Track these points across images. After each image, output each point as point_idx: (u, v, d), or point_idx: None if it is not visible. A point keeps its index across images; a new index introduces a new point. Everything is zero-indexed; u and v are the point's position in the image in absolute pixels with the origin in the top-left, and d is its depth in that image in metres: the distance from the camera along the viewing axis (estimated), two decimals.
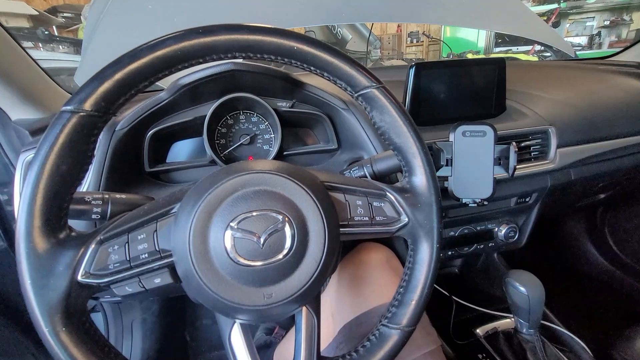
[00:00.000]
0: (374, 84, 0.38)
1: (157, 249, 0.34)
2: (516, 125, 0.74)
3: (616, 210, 1.24)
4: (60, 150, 0.31)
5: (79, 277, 0.32)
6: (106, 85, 0.32)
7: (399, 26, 5.80)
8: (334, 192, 0.39)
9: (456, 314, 0.93)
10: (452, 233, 0.78)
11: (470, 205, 0.59)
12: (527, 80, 0.93)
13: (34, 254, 0.30)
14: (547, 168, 0.75)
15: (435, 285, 0.41)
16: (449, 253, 0.80)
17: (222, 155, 0.66)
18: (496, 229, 0.80)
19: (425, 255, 0.40)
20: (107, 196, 0.43)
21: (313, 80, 0.63)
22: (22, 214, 0.30)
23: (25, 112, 0.61)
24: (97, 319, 0.88)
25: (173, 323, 1.07)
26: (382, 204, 0.40)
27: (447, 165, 0.58)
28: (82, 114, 0.31)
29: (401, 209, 0.40)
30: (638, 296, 1.13)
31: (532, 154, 0.75)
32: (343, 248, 0.59)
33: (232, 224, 0.33)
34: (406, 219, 0.40)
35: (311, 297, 0.37)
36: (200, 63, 0.35)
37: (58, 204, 0.32)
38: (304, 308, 0.38)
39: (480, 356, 0.79)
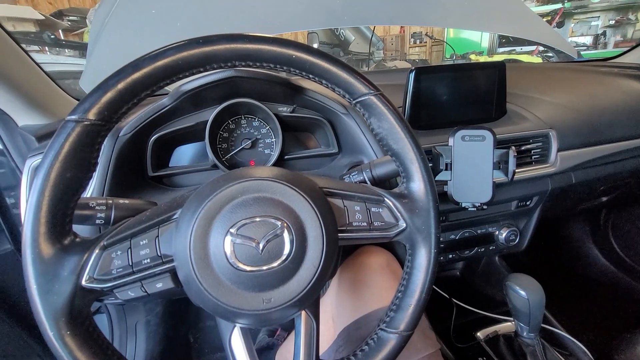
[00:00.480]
0: (372, 91, 0.39)
1: (159, 254, 0.35)
2: (516, 128, 0.74)
3: (619, 212, 1.23)
4: (65, 158, 0.32)
5: (83, 282, 0.33)
6: (109, 94, 0.33)
7: (402, 27, 5.80)
8: (332, 197, 0.40)
9: (457, 317, 0.93)
10: (452, 236, 0.78)
11: (469, 209, 0.59)
12: (528, 83, 0.93)
13: (40, 259, 0.31)
14: (548, 171, 0.75)
15: (436, 288, 0.42)
16: (450, 256, 0.80)
17: (224, 159, 0.67)
18: (497, 233, 0.80)
19: (423, 260, 0.40)
20: (110, 201, 0.44)
21: (313, 86, 0.64)
22: (28, 220, 0.31)
23: (31, 118, 0.62)
24: (102, 320, 0.89)
25: (177, 325, 1.08)
26: (380, 210, 0.41)
27: (446, 169, 0.59)
28: (86, 123, 0.32)
29: (399, 215, 0.41)
30: None
31: (532, 157, 0.75)
32: (343, 251, 0.60)
33: (231, 230, 0.34)
34: (404, 225, 0.40)
35: (310, 301, 0.38)
36: (201, 72, 0.36)
37: (63, 211, 0.33)
38: (303, 312, 0.38)
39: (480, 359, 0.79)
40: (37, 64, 0.65)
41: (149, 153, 0.61)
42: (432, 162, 0.59)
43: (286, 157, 0.68)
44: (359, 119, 0.64)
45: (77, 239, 0.34)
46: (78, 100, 0.76)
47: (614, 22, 4.57)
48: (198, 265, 0.33)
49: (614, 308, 1.10)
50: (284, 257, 0.34)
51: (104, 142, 0.56)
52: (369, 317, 0.52)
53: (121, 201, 0.45)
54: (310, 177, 0.40)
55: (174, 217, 0.36)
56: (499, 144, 0.58)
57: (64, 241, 0.33)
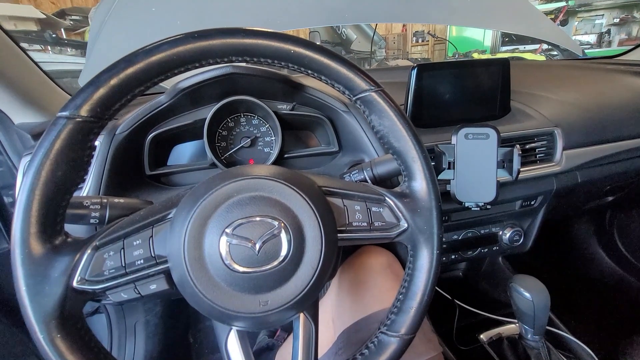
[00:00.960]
0: (373, 87, 0.38)
1: (153, 254, 0.34)
2: (521, 127, 0.73)
3: (625, 212, 1.21)
4: (56, 156, 0.31)
5: (74, 283, 0.32)
6: (102, 90, 0.32)
7: (404, 26, 5.78)
8: (332, 197, 0.39)
9: (460, 318, 0.92)
10: (455, 236, 0.77)
11: (473, 209, 0.58)
12: (533, 80, 0.91)
13: (30, 259, 0.30)
14: (553, 170, 0.74)
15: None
16: (453, 257, 0.79)
17: (222, 158, 0.66)
18: (500, 233, 0.79)
19: (425, 261, 0.39)
20: (105, 200, 0.43)
21: (313, 83, 0.63)
22: (17, 220, 0.30)
23: (28, 115, 0.61)
24: (101, 320, 0.88)
25: (176, 325, 1.07)
26: (381, 209, 0.40)
27: (449, 168, 0.57)
28: (78, 119, 0.31)
29: (400, 215, 0.40)
30: None
31: (537, 156, 0.74)
32: (344, 252, 0.59)
33: (227, 230, 0.33)
34: (405, 225, 0.39)
35: (308, 303, 0.37)
36: (197, 67, 0.35)
37: (54, 210, 0.32)
38: (301, 315, 0.37)
39: None
40: (34, 62, 0.64)
41: (146, 151, 0.60)
42: (435, 160, 0.58)
43: (286, 155, 0.67)
44: (360, 116, 0.63)
45: (69, 239, 0.33)
46: None
47: (618, 20, 4.52)
48: (192, 266, 0.32)
49: (620, 310, 1.09)
50: (281, 258, 0.33)
51: (100, 140, 0.56)
52: (369, 319, 0.51)
53: (116, 200, 0.44)
54: (309, 176, 0.39)
55: (169, 216, 0.35)
56: (503, 142, 0.57)
57: (55, 241, 0.32)
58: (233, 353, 0.36)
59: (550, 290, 0.65)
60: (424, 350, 0.48)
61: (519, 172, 0.55)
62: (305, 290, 0.34)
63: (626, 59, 1.15)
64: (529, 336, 0.67)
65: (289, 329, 0.97)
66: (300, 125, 0.70)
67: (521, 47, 4.69)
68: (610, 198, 0.96)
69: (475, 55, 4.56)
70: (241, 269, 0.32)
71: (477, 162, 0.57)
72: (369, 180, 0.52)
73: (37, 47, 2.74)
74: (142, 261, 0.34)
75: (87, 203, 0.42)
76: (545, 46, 4.00)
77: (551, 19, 4.48)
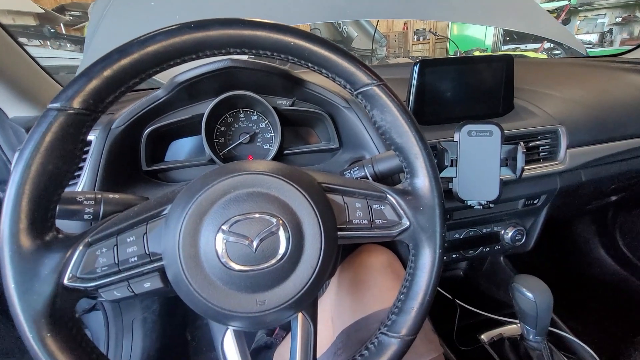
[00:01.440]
0: (375, 81, 0.37)
1: (147, 252, 0.33)
2: (524, 124, 0.72)
3: (628, 212, 1.20)
4: (47, 149, 0.30)
5: (66, 281, 0.31)
6: (95, 82, 0.31)
7: (405, 24, 5.75)
8: (332, 194, 0.38)
9: (460, 318, 0.91)
10: (456, 235, 0.76)
11: (475, 207, 0.57)
12: (536, 78, 0.90)
13: (18, 256, 0.29)
14: (557, 169, 0.72)
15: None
16: (454, 256, 0.78)
17: (221, 154, 0.65)
18: (502, 232, 0.78)
19: (427, 260, 0.38)
20: (99, 196, 0.42)
21: (314, 78, 0.62)
22: (5, 215, 0.29)
23: (22, 109, 0.60)
24: (98, 317, 0.87)
25: (174, 322, 1.06)
26: (383, 207, 0.39)
27: (451, 165, 0.56)
28: (69, 112, 0.30)
29: (402, 212, 0.38)
30: None
31: (541, 154, 0.73)
32: (343, 250, 0.58)
33: (223, 227, 0.32)
34: (407, 223, 0.38)
35: (307, 303, 0.36)
36: (194, 59, 0.34)
37: (45, 205, 0.31)
38: (299, 314, 0.36)
39: None
40: (30, 56, 0.63)
41: (142, 146, 0.59)
42: (437, 158, 0.57)
43: (285, 152, 0.66)
44: (361, 113, 0.62)
45: (60, 235, 0.32)
46: None
47: (620, 19, 4.50)
48: (187, 264, 0.31)
49: (621, 311, 1.08)
50: (279, 257, 0.32)
51: (96, 135, 0.55)
52: (369, 318, 0.50)
53: (111, 196, 0.43)
54: (308, 172, 0.38)
55: (164, 212, 0.34)
56: (506, 140, 0.56)
57: (46, 237, 0.31)
58: (229, 353, 0.36)
59: (552, 290, 0.64)
60: (425, 350, 0.47)
61: (522, 170, 0.54)
62: (304, 289, 0.33)
63: (630, 57, 1.14)
64: (531, 337, 0.66)
65: (287, 327, 0.96)
66: (300, 121, 0.69)
67: (522, 46, 4.66)
68: (613, 198, 0.95)
69: (477, 54, 4.54)
70: (238, 267, 0.31)
71: (480, 160, 0.56)
72: (369, 177, 0.51)
73: (36, 42, 2.72)
74: (135, 258, 0.33)
75: (80, 198, 0.41)
76: (547, 45, 3.98)
77: (553, 17, 4.46)
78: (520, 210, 0.77)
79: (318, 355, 0.38)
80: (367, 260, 0.60)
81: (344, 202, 0.38)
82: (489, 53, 4.75)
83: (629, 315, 1.06)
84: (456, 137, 0.56)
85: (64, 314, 0.31)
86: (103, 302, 0.87)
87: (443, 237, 0.38)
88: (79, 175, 0.54)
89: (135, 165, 0.60)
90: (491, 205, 0.56)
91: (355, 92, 0.38)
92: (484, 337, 0.83)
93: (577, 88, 0.85)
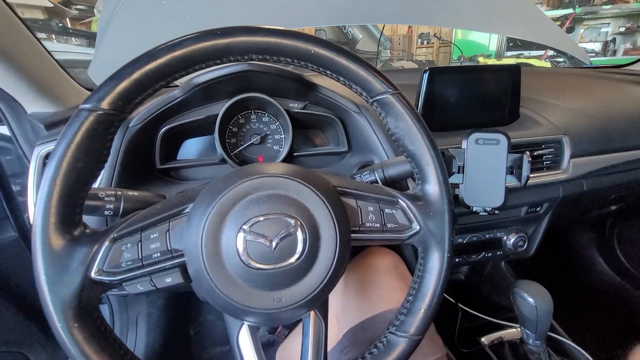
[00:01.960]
0: (390, 90, 0.38)
1: (169, 248, 0.34)
2: (529, 133, 0.73)
3: (626, 222, 1.22)
4: (78, 147, 0.31)
5: (92, 274, 0.32)
6: (124, 84, 0.32)
7: (409, 27, 5.75)
8: (346, 197, 0.39)
9: (462, 321, 0.92)
10: (460, 240, 0.77)
11: (480, 213, 0.58)
12: (541, 87, 0.92)
13: (49, 250, 0.31)
14: (560, 178, 0.74)
15: None
16: (457, 260, 0.79)
17: (232, 154, 0.66)
18: (505, 238, 0.79)
19: (435, 264, 0.40)
20: (119, 193, 0.43)
21: (326, 82, 0.63)
22: (38, 210, 0.31)
23: (41, 105, 0.61)
24: (103, 311, 0.89)
25: (178, 318, 1.08)
26: (394, 211, 0.40)
27: (458, 172, 0.58)
28: (99, 112, 0.32)
29: (413, 217, 0.40)
30: None
31: (544, 163, 0.74)
32: (351, 252, 0.59)
33: (244, 226, 0.33)
34: (418, 227, 0.40)
35: (320, 302, 0.37)
36: (217, 64, 0.35)
37: (73, 201, 0.32)
38: (312, 312, 0.38)
39: None
40: (48, 52, 0.64)
41: (157, 145, 0.60)
42: (444, 164, 0.58)
43: (295, 154, 0.67)
44: (371, 118, 0.63)
45: (87, 230, 0.34)
46: (87, 89, 0.75)
47: (624, 29, 4.52)
48: (209, 261, 0.33)
49: (618, 318, 1.09)
50: (296, 256, 0.34)
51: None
52: (375, 319, 0.52)
53: (130, 193, 0.44)
54: (323, 175, 0.39)
55: (186, 211, 0.36)
56: (512, 148, 0.57)
57: (74, 232, 0.32)
58: (244, 348, 0.37)
59: (551, 296, 0.65)
60: (430, 351, 0.49)
61: (528, 178, 0.56)
62: (319, 288, 0.35)
63: (634, 69, 1.16)
64: (531, 341, 0.68)
65: (290, 325, 0.97)
66: (311, 125, 0.70)
67: (526, 53, 4.67)
68: (613, 207, 0.97)
69: (481, 60, 4.55)
70: (257, 265, 0.33)
71: (486, 167, 0.57)
72: (379, 182, 0.52)
73: (43, 35, 2.72)
74: (158, 254, 0.34)
75: (101, 195, 0.42)
76: (550, 53, 4.00)
77: (558, 25, 4.47)
78: (523, 217, 0.78)
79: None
80: (373, 262, 0.61)
81: (357, 206, 0.39)
82: (493, 59, 4.76)
83: (624, 321, 1.07)
84: (464, 144, 0.58)
85: (89, 305, 0.32)
86: (109, 296, 0.88)
87: (452, 242, 0.40)
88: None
89: (149, 163, 0.61)
90: (496, 211, 0.57)
91: (371, 100, 0.39)
92: (484, 339, 0.84)
93: (582, 99, 0.86)
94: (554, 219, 0.81)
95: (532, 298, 0.63)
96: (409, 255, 0.68)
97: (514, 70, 0.72)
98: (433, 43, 5.75)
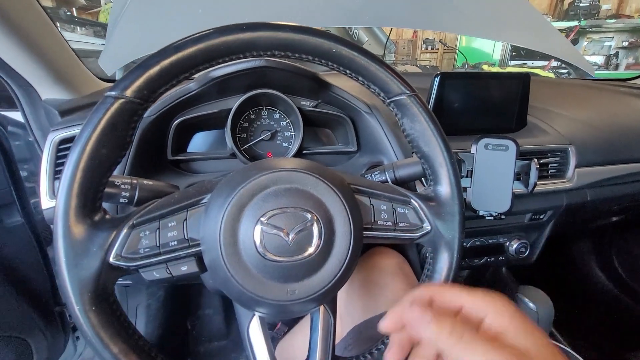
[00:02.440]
0: (408, 92, 0.39)
1: (186, 237, 0.35)
2: (536, 141, 0.74)
3: (625, 234, 1.23)
4: (102, 133, 0.32)
5: (111, 259, 0.33)
6: (149, 73, 0.33)
7: (415, 32, 5.77)
8: (359, 195, 0.40)
9: None
10: (464, 244, 0.78)
11: (487, 218, 0.59)
12: (548, 97, 0.93)
13: (70, 233, 0.31)
14: (564, 187, 0.75)
15: None
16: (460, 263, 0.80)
17: (242, 149, 0.67)
18: (507, 244, 0.80)
19: (444, 264, 0.40)
20: (135, 181, 0.44)
21: (339, 82, 0.64)
22: (61, 193, 0.31)
23: (56, 92, 0.61)
24: None
25: (176, 311, 1.08)
26: (406, 211, 0.41)
27: (467, 176, 0.58)
28: (124, 100, 0.32)
29: (424, 217, 0.41)
30: None
31: (549, 171, 0.75)
32: None
33: (262, 219, 0.34)
34: (429, 227, 0.40)
35: (330, 297, 0.38)
36: (240, 58, 0.36)
37: (95, 187, 0.33)
38: (321, 307, 0.38)
39: None
40: (65, 40, 0.64)
41: (170, 136, 0.61)
42: None
43: (304, 152, 0.68)
44: (382, 118, 0.64)
45: (107, 216, 0.34)
46: (100, 79, 0.75)
47: (627, 43, 4.55)
48: (227, 251, 0.33)
49: (616, 327, 1.10)
50: (311, 250, 0.34)
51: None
52: (381, 317, 0.52)
53: (145, 182, 0.45)
54: (338, 173, 0.40)
55: (203, 201, 0.36)
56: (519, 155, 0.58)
57: (95, 217, 0.33)
58: (255, 339, 0.37)
59: None
60: None
61: (535, 185, 0.57)
62: (331, 283, 0.35)
63: (638, 84, 1.17)
64: None
65: (289, 322, 0.97)
66: (321, 123, 0.71)
67: (529, 63, 4.70)
68: (614, 218, 0.98)
69: (485, 67, 4.57)
70: (273, 257, 0.33)
71: (494, 173, 0.58)
72: (390, 182, 0.53)
73: None
74: (175, 242, 0.34)
75: (118, 182, 0.42)
76: (554, 64, 4.02)
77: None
78: (527, 223, 0.79)
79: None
80: (379, 262, 0.62)
81: (371, 204, 0.40)
82: (497, 67, 4.78)
83: (622, 330, 1.08)
84: (473, 149, 0.58)
85: (106, 290, 0.33)
86: (116, 285, 0.88)
87: (461, 244, 0.40)
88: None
89: (161, 154, 0.61)
90: (502, 217, 0.58)
91: (388, 101, 0.40)
92: None
93: (588, 109, 0.87)
94: (556, 227, 0.82)
95: (534, 304, 0.64)
96: (412, 256, 0.68)
97: (524, 79, 0.73)
98: (437, 49, 5.77)
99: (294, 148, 0.66)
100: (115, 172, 0.55)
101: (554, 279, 1.31)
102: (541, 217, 0.78)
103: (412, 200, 0.41)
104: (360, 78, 0.39)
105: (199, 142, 0.69)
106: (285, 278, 0.34)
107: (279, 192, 0.35)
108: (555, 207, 0.77)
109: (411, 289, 0.41)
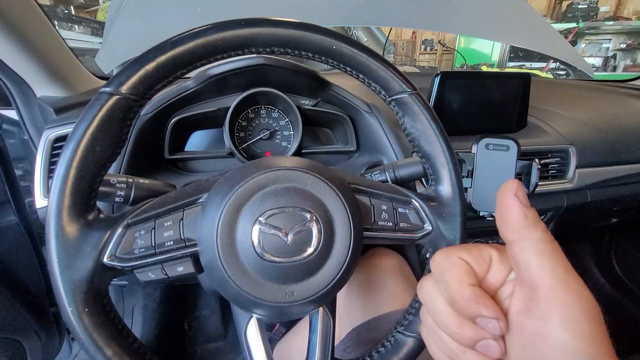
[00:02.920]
0: (409, 90, 0.38)
1: (182, 237, 0.34)
2: (536, 141, 0.74)
3: (624, 236, 1.23)
4: (96, 130, 0.31)
5: (105, 259, 0.32)
6: (146, 69, 0.32)
7: (413, 33, 5.78)
8: (359, 194, 0.39)
9: None
10: None
11: (487, 218, 0.58)
12: (549, 97, 0.92)
13: (63, 233, 0.30)
14: (565, 187, 0.75)
15: None
16: None
17: (240, 148, 0.66)
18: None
19: None
20: (131, 180, 0.43)
21: (338, 81, 0.63)
22: (54, 192, 0.30)
23: (51, 89, 0.60)
24: None
25: (173, 311, 1.07)
26: (407, 211, 0.40)
27: (467, 176, 0.58)
28: (119, 96, 0.31)
29: (425, 217, 0.40)
30: None
31: (550, 172, 0.75)
32: None
33: (260, 218, 0.33)
34: (430, 228, 0.40)
35: (330, 298, 0.37)
36: (239, 55, 0.35)
37: (89, 185, 0.32)
38: (320, 309, 0.37)
39: None
40: (62, 38, 0.63)
41: (167, 135, 0.60)
42: None
43: (303, 151, 0.67)
44: (382, 118, 0.63)
45: (101, 215, 0.33)
46: (97, 77, 0.75)
47: (625, 45, 4.57)
48: (224, 252, 0.32)
49: (612, 329, 1.10)
50: (310, 251, 0.33)
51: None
52: (380, 319, 0.51)
53: (141, 181, 0.44)
54: (339, 172, 0.39)
55: (200, 200, 0.35)
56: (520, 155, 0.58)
57: (88, 216, 0.32)
58: (252, 341, 0.37)
59: None
60: None
61: (536, 186, 0.56)
62: (330, 284, 0.35)
63: (637, 84, 1.17)
64: None
65: (287, 324, 0.97)
66: (320, 122, 0.70)
67: (528, 64, 4.71)
68: (614, 220, 0.98)
69: (484, 69, 4.58)
70: (271, 258, 0.32)
71: (495, 173, 0.57)
72: (390, 182, 0.52)
73: None
74: (171, 243, 0.34)
75: (113, 181, 0.42)
76: (552, 65, 4.04)
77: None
78: None
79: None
80: (378, 263, 0.61)
81: (371, 204, 0.39)
82: (496, 68, 4.80)
83: (620, 334, 1.08)
84: (474, 149, 0.58)
85: (99, 291, 0.32)
86: (113, 286, 0.87)
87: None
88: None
89: (157, 153, 0.61)
90: None
91: (389, 99, 0.39)
92: None
93: (588, 110, 0.87)
94: (556, 228, 0.82)
95: None
96: (412, 257, 0.68)
97: (525, 79, 0.73)
98: (436, 50, 5.79)
99: (293, 147, 0.65)
100: (111, 171, 0.55)
101: None
102: (541, 217, 0.78)
103: (413, 200, 0.40)
104: (360, 76, 0.38)
105: (196, 141, 0.68)
106: (283, 279, 0.33)
107: (277, 192, 0.34)
108: (555, 208, 0.77)
109: (411, 289, 0.40)
